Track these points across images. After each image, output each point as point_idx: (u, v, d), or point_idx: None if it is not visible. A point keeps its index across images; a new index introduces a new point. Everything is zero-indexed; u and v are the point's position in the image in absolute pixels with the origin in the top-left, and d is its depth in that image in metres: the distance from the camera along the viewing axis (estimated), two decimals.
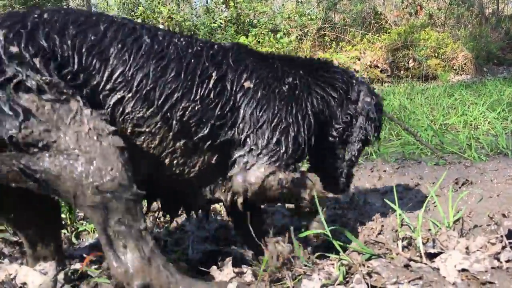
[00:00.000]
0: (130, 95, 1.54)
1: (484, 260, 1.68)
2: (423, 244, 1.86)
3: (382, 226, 2.30)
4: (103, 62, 1.51)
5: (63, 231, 2.34)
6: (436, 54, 11.77)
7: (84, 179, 1.34)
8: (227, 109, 1.70)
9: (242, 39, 10.65)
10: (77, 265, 1.74)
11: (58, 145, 1.34)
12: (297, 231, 1.93)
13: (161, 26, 9.41)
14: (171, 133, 1.62)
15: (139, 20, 9.63)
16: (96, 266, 1.78)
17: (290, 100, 1.79)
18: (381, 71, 11.27)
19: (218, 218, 2.68)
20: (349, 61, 11.06)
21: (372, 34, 12.88)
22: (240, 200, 1.75)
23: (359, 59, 11.28)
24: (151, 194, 1.77)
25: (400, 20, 14.36)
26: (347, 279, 1.65)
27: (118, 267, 1.38)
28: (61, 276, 1.69)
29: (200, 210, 1.91)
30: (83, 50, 1.49)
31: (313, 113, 1.86)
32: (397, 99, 6.83)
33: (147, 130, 1.59)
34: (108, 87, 1.52)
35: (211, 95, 1.67)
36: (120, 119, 1.54)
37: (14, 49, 1.38)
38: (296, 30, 12.13)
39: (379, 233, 2.24)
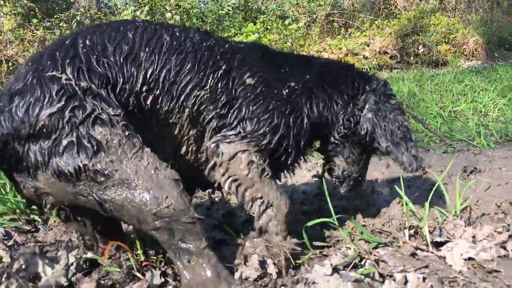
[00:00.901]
0: (159, 91, 1.65)
1: (491, 249, 1.70)
2: (430, 232, 1.87)
3: (389, 215, 2.31)
4: (138, 68, 1.63)
5: None
6: (446, 40, 11.64)
7: (143, 206, 1.49)
8: (229, 99, 1.76)
9: (250, 26, 10.60)
10: (89, 254, 1.77)
11: (120, 175, 1.48)
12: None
13: (168, 14, 9.39)
14: (187, 121, 1.72)
15: (146, 8, 9.62)
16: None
17: (286, 103, 1.83)
18: (390, 58, 11.17)
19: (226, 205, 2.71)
20: (358, 48, 10.97)
21: (381, 19, 12.72)
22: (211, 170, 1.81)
23: (368, 45, 11.17)
24: None
25: (410, 5, 14.15)
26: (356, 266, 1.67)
27: (184, 279, 1.56)
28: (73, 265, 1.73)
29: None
30: (122, 62, 1.61)
31: (309, 117, 1.88)
32: (406, 86, 6.77)
33: (171, 121, 1.71)
34: (144, 89, 1.63)
35: (219, 85, 1.74)
36: (153, 115, 1.67)
37: (84, 83, 1.50)
38: (305, 16, 12.01)
39: (386, 222, 2.25)
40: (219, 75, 1.74)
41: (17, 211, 2.48)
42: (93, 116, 1.47)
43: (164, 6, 10.39)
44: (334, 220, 1.90)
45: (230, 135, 1.76)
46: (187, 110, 1.70)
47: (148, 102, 1.65)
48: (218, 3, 12.24)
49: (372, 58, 10.75)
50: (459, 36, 11.67)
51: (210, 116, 1.74)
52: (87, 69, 1.54)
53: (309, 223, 1.88)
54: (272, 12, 11.33)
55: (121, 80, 1.59)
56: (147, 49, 1.65)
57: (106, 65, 1.57)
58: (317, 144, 2.21)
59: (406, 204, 2.10)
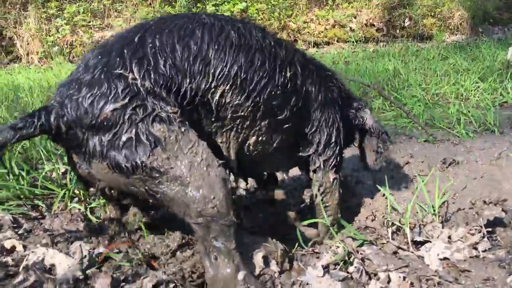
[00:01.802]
0: (228, 87, 1.74)
1: (464, 249, 1.89)
2: (411, 230, 2.06)
3: (373, 207, 2.50)
4: (207, 65, 1.70)
5: (78, 207, 2.49)
6: (432, 14, 11.69)
7: (192, 203, 1.60)
8: (300, 98, 1.98)
9: None
10: (101, 249, 1.92)
11: (175, 172, 1.57)
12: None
13: None
14: (259, 114, 1.85)
15: None
16: (117, 251, 1.96)
17: (336, 112, 2.19)
18: (376, 30, 11.21)
19: None
20: (345, 19, 10.97)
21: None
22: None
23: (355, 17, 11.18)
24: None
25: None
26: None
27: (208, 273, 1.67)
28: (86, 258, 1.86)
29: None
30: (191, 61, 1.68)
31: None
32: (392, 63, 6.91)
33: (242, 114, 1.81)
34: (213, 85, 1.72)
35: (289, 84, 1.91)
36: (222, 109, 1.77)
37: (148, 84, 1.59)
38: None
39: (370, 215, 2.44)
40: (288, 74, 1.89)
41: (21, 196, 2.58)
42: (153, 114, 1.56)
43: None
44: (326, 221, 2.07)
45: (322, 163, 2.15)
46: (260, 104, 1.82)
47: (216, 96, 1.73)
48: None
49: (359, 31, 10.79)
50: (445, 10, 11.72)
51: (284, 112, 1.91)
52: (154, 71, 1.62)
53: (304, 222, 2.05)
54: None
55: (188, 79, 1.67)
56: (215, 46, 1.72)
57: (173, 66, 1.65)
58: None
59: (389, 199, 2.28)
